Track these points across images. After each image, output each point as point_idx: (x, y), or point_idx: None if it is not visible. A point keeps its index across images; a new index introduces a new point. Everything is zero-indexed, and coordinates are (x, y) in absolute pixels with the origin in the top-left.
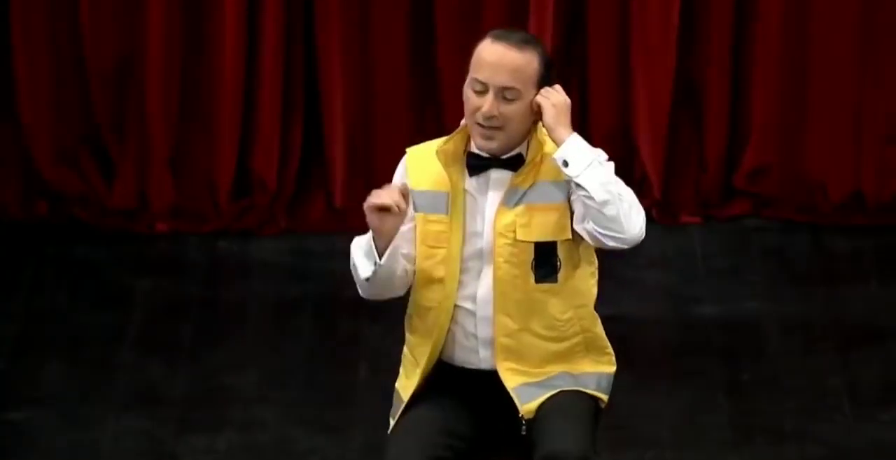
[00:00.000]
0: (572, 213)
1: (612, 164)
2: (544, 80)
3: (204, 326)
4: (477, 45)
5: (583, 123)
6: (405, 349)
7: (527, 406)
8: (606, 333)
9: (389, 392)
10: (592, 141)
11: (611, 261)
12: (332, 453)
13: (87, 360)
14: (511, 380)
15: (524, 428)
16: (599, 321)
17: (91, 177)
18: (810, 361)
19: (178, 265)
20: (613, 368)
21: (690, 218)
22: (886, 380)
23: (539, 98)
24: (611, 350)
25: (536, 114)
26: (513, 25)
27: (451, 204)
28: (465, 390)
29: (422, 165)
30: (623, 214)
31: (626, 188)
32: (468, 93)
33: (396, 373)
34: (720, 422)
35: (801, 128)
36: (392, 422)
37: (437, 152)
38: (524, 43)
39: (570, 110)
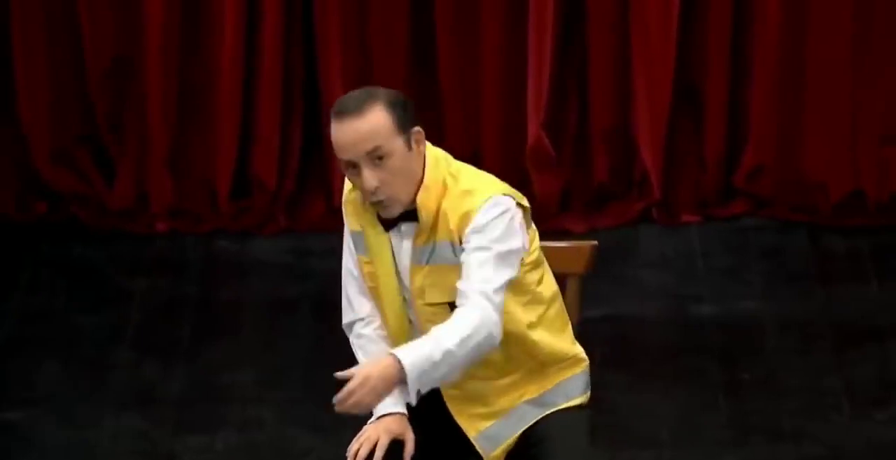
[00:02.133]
0: None
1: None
2: (403, 121)
3: (202, 326)
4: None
5: (583, 123)
6: None
7: (492, 454)
8: (605, 333)
9: None
10: (592, 141)
11: (610, 260)
12: (329, 453)
13: (84, 360)
14: (471, 428)
15: None
16: (551, 339)
17: (90, 176)
18: (808, 361)
19: (176, 265)
20: (582, 365)
21: (690, 217)
22: (884, 380)
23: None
24: (576, 350)
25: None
26: (512, 25)
27: (368, 247)
28: (435, 410)
29: (353, 202)
30: (471, 359)
31: (453, 344)
32: (347, 174)
33: None
34: (718, 422)
35: (799, 128)
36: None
37: (345, 203)
38: (362, 103)
39: (374, 386)
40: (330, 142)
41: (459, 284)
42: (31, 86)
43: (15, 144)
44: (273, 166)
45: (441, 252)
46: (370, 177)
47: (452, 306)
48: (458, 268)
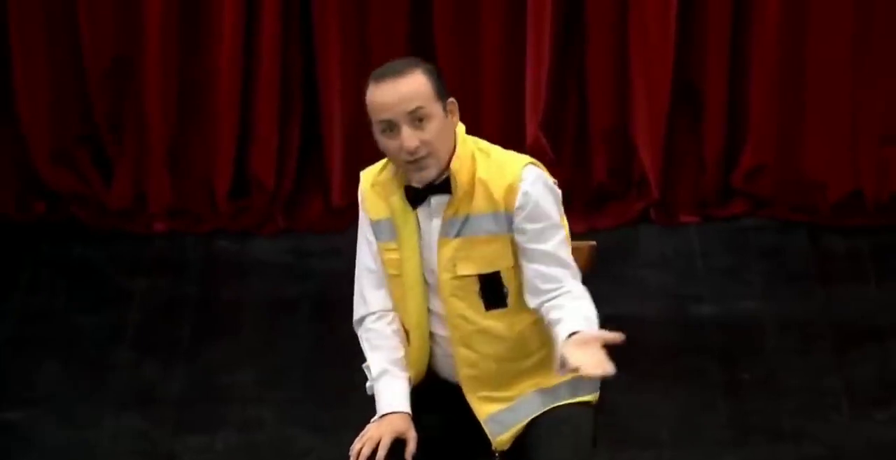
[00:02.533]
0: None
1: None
2: (440, 89)
3: (201, 326)
4: (366, 94)
5: (582, 124)
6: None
7: (500, 438)
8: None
9: None
10: (591, 141)
11: (609, 260)
12: (329, 453)
13: (83, 360)
14: (482, 411)
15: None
16: None
17: (89, 176)
18: (808, 361)
19: (175, 265)
20: None
21: (689, 217)
22: (883, 380)
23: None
24: None
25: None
26: (511, 25)
27: (396, 232)
28: (444, 398)
29: (374, 192)
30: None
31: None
32: (381, 140)
33: None
34: (718, 422)
35: (798, 128)
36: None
37: (372, 185)
38: (404, 67)
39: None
40: (328, 144)
41: (546, 266)
42: (31, 86)
43: (15, 144)
44: (271, 166)
45: (477, 223)
46: (411, 137)
47: (482, 278)
48: (495, 239)
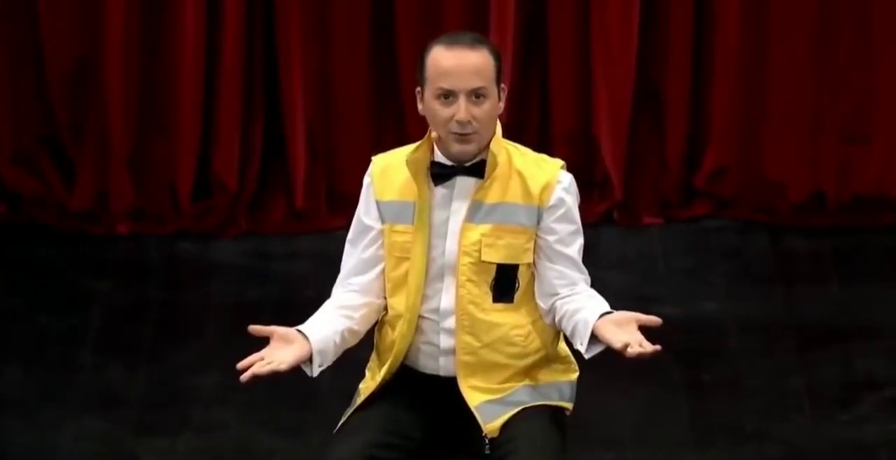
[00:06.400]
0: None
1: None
2: (500, 75)
3: (164, 328)
4: (427, 56)
5: (544, 125)
6: (373, 353)
7: (490, 425)
8: None
9: (350, 394)
10: (554, 143)
11: None
12: (292, 455)
13: (46, 362)
14: (473, 398)
15: (487, 446)
16: (560, 333)
17: (50, 178)
18: (770, 361)
19: (138, 266)
20: (576, 374)
21: (651, 218)
22: (845, 381)
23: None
24: (572, 357)
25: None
26: (474, 27)
27: (416, 215)
28: (422, 394)
29: (387, 175)
30: None
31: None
32: (434, 105)
33: (358, 376)
34: (680, 423)
35: (760, 129)
36: (343, 419)
37: (406, 162)
38: (476, 42)
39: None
40: (291, 145)
41: (567, 269)
42: None
43: None
44: (234, 167)
45: (509, 212)
46: (466, 111)
47: (500, 268)
48: (524, 232)
